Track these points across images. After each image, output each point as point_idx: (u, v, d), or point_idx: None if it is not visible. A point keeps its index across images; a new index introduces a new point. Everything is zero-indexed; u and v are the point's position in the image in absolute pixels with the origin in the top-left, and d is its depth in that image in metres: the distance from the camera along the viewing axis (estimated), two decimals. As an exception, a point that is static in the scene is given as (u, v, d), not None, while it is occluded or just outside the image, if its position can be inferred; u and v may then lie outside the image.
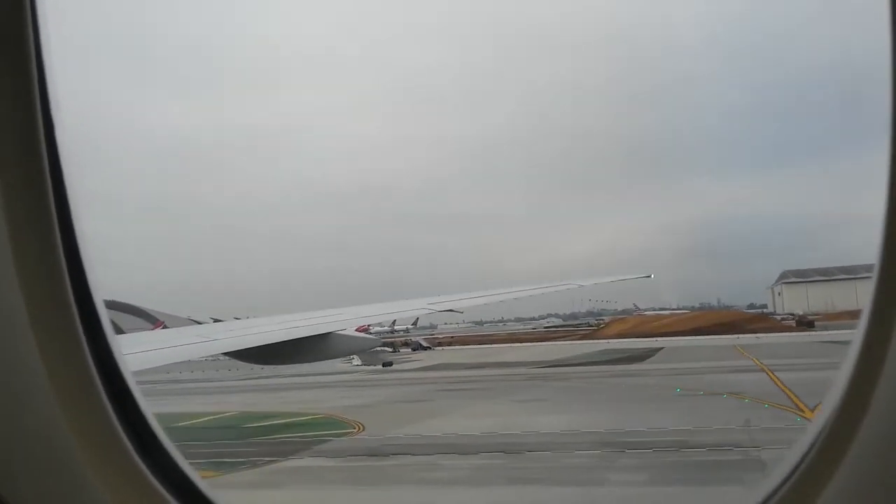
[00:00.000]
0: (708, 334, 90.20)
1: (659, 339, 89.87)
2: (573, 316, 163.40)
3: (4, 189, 1.72)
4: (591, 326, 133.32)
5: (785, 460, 1.80)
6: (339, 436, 31.81)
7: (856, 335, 1.69)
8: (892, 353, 1.54)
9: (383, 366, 68.75)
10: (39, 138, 1.79)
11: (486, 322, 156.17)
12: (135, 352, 10.03)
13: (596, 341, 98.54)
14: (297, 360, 15.11)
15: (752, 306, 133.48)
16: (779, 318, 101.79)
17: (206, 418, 40.52)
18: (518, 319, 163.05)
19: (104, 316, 2.05)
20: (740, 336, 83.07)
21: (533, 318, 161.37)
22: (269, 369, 56.59)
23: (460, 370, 64.89)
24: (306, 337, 14.26)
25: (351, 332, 15.22)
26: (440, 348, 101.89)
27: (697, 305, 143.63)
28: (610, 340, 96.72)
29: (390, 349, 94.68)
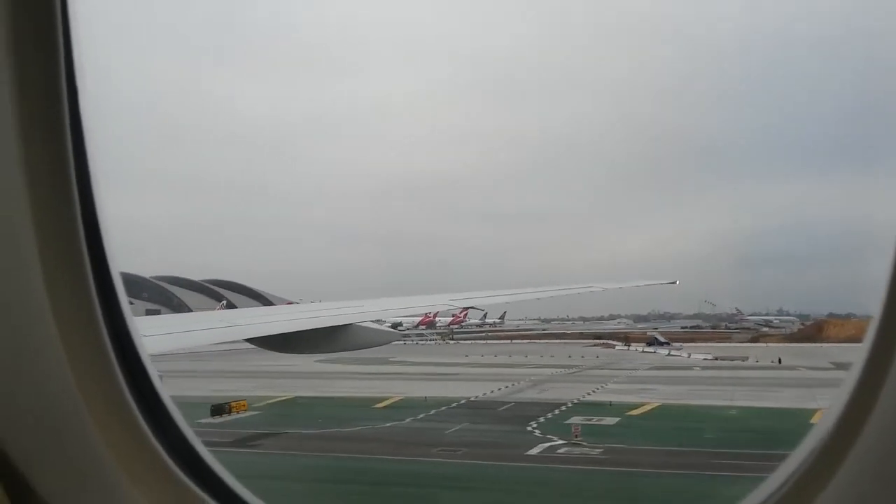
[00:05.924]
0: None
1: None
2: (637, 317, 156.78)
3: (28, 170, 1.78)
4: (731, 329, 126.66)
5: (787, 462, 1.82)
6: None
7: (864, 343, 1.70)
8: None
9: (741, 360, 74.60)
10: (65, 131, 1.84)
11: (552, 320, 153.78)
12: (155, 334, 10.22)
13: (852, 345, 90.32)
14: (316, 349, 15.25)
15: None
16: None
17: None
18: (581, 318, 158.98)
19: (122, 294, 2.11)
20: None
21: (599, 319, 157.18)
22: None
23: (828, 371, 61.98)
24: (327, 327, 14.41)
25: (369, 324, 15.36)
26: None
27: (765, 312, 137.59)
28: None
29: (623, 344, 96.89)
